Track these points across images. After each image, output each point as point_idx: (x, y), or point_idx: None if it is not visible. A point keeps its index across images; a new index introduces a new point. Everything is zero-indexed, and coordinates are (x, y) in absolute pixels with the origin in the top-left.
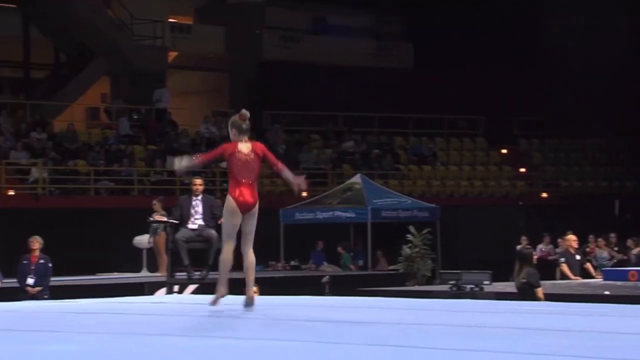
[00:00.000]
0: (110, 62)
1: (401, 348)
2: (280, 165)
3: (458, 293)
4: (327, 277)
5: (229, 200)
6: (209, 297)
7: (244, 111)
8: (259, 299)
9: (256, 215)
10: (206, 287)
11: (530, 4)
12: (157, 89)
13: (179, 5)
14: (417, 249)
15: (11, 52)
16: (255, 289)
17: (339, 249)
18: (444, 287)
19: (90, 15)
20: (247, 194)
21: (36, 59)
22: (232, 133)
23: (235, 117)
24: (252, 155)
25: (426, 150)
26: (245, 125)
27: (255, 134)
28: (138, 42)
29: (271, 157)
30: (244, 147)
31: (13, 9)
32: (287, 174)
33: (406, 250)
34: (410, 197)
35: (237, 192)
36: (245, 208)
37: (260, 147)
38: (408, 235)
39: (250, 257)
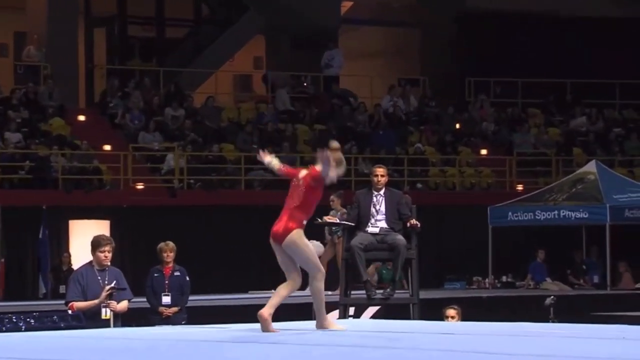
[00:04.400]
0: (266, 16)
1: None
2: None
3: None
4: (552, 297)
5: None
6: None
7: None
8: (461, 326)
9: None
10: (390, 310)
11: None
12: (327, 50)
13: None
14: None
15: (141, 5)
16: (453, 312)
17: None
18: None
19: None
20: None
21: (172, 14)
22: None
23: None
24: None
25: None
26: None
27: (454, 108)
28: None
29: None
30: None
31: None
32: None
33: None
34: None
35: None
36: None
37: None
38: None
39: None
